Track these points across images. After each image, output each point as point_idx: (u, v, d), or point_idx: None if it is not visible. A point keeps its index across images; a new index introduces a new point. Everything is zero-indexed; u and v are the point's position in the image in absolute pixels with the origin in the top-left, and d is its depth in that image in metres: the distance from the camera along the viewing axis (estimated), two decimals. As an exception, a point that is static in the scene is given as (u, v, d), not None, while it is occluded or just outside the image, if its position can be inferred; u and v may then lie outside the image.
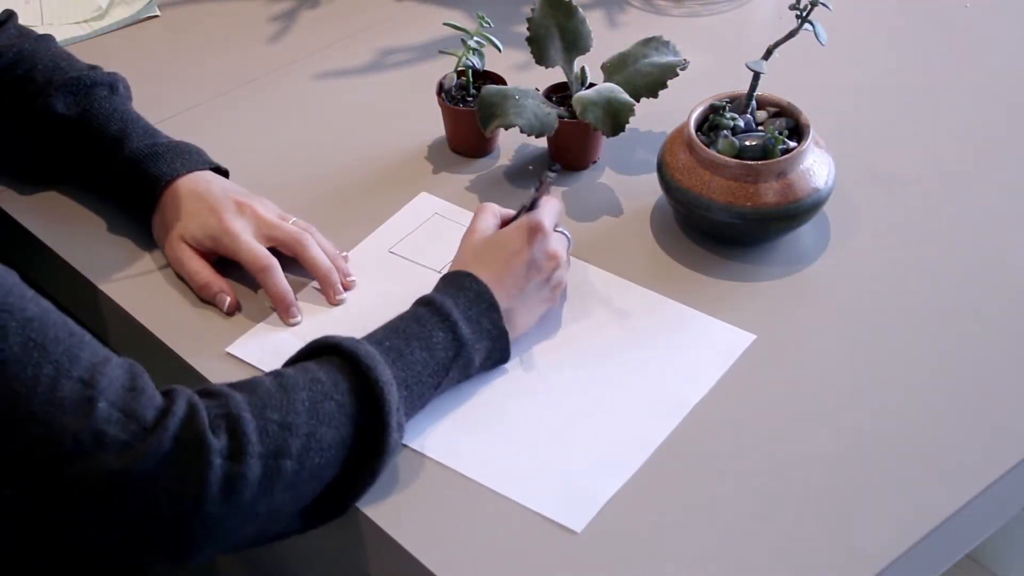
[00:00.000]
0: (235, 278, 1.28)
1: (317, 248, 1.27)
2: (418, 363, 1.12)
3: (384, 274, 1.30)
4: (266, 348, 1.22)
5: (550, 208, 1.23)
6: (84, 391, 0.96)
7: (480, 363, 1.17)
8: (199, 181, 1.29)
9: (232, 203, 1.27)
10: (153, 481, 0.97)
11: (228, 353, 1.22)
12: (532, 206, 1.23)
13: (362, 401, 1.06)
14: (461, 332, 1.14)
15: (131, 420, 0.97)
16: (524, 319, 1.20)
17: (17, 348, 0.95)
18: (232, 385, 1.05)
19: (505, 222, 1.24)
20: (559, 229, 1.24)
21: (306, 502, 1.05)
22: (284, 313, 1.25)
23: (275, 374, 1.07)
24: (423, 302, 1.16)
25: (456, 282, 1.17)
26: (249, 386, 1.05)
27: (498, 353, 1.18)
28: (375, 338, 1.12)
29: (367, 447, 1.06)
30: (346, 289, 1.27)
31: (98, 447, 0.95)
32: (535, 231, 1.20)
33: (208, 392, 1.03)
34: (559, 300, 1.24)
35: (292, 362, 1.11)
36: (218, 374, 1.20)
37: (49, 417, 0.94)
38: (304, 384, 1.05)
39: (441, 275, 1.19)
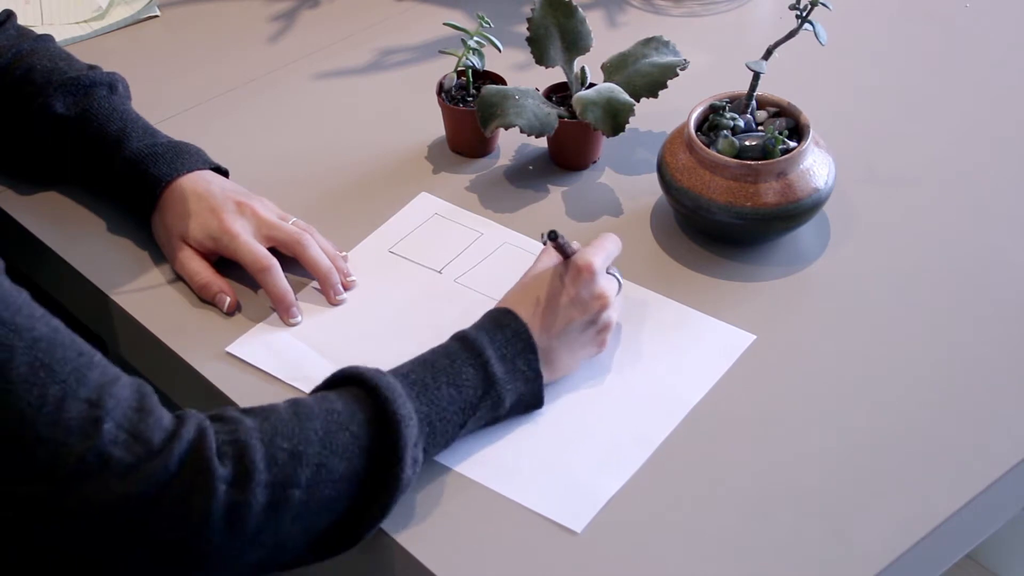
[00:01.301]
0: (235, 278, 1.28)
1: (317, 248, 1.27)
2: (444, 399, 1.09)
3: (384, 274, 1.30)
4: (266, 348, 1.22)
5: (603, 247, 1.20)
6: (90, 412, 0.95)
7: (511, 405, 1.13)
8: (199, 181, 1.29)
9: (232, 203, 1.27)
10: (156, 505, 0.96)
11: (228, 353, 1.22)
12: (567, 255, 1.17)
13: (378, 434, 1.05)
14: (492, 371, 1.11)
15: (137, 442, 0.96)
16: (564, 361, 1.17)
17: (24, 369, 0.94)
18: (246, 411, 1.04)
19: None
20: (611, 271, 1.21)
21: (316, 533, 1.03)
22: (284, 313, 1.25)
23: (292, 402, 1.05)
24: (458, 336, 1.13)
25: (496, 319, 1.14)
26: (263, 412, 1.03)
27: (530, 397, 1.14)
28: (401, 371, 1.10)
29: (379, 481, 1.04)
30: (346, 289, 1.27)
31: (103, 468, 0.95)
32: (581, 270, 1.16)
33: (220, 416, 1.02)
34: (608, 345, 1.19)
35: (316, 390, 1.10)
36: (218, 374, 1.20)
37: (54, 438, 0.94)
38: (320, 413, 1.04)
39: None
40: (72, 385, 0.95)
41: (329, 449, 1.02)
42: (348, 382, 1.08)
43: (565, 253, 1.17)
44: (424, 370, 1.10)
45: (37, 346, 0.95)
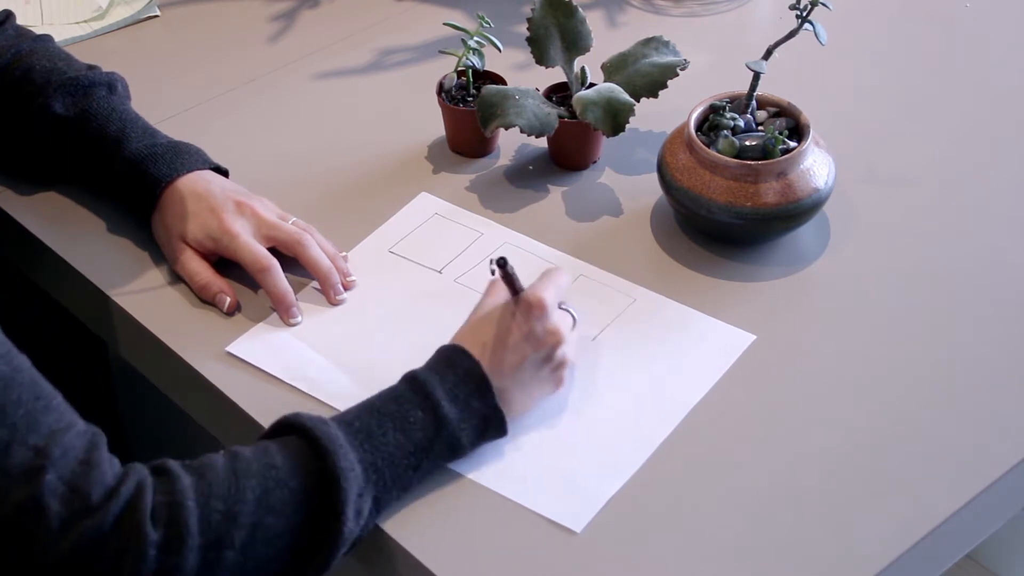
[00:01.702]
0: (235, 278, 1.27)
1: (317, 248, 1.27)
2: (390, 444, 1.07)
3: (384, 274, 1.30)
4: (266, 348, 1.22)
5: (553, 282, 1.16)
6: (35, 460, 0.94)
7: (471, 443, 1.11)
8: (198, 181, 1.29)
9: (232, 203, 1.27)
10: (87, 563, 0.95)
11: (228, 353, 1.22)
12: (515, 289, 1.14)
13: (319, 489, 1.03)
14: (443, 413, 1.09)
15: (76, 496, 0.95)
16: (519, 401, 1.13)
17: None
18: (185, 466, 1.02)
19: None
20: (564, 306, 1.18)
21: None
22: (285, 314, 1.25)
23: (232, 456, 1.03)
24: (407, 378, 1.11)
25: (447, 358, 1.12)
26: (200, 470, 1.01)
27: (494, 431, 1.12)
28: (347, 417, 1.08)
29: (321, 535, 1.03)
30: (346, 289, 1.27)
31: (38, 519, 0.94)
32: (533, 307, 1.13)
33: (160, 470, 1.00)
34: (565, 383, 1.16)
35: (260, 437, 1.08)
36: (218, 374, 1.20)
37: None
38: (258, 470, 1.02)
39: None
40: (21, 430, 0.94)
41: (265, 508, 1.01)
42: (290, 430, 1.07)
43: (513, 287, 1.14)
44: (370, 416, 1.08)
45: None
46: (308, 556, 1.03)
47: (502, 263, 1.13)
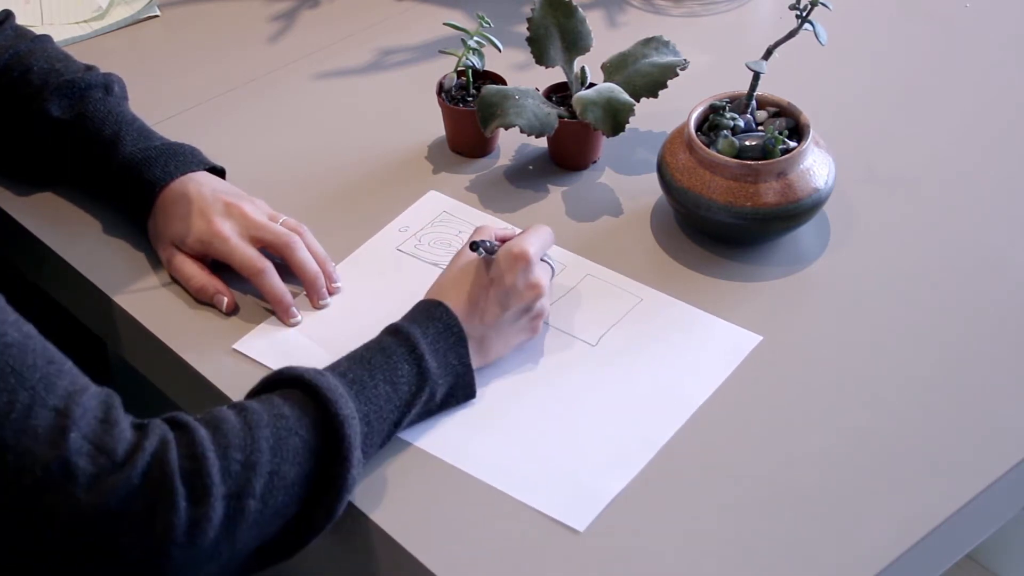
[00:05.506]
0: (234, 276, 1.27)
1: (305, 251, 1.26)
2: (381, 397, 1.10)
3: (392, 271, 1.30)
4: (273, 345, 1.22)
5: (538, 235, 1.20)
6: (58, 420, 0.95)
7: (442, 399, 1.14)
8: (190, 184, 1.28)
9: (221, 204, 1.26)
10: (119, 519, 0.95)
11: (234, 350, 1.22)
12: (492, 251, 1.18)
13: (324, 436, 1.05)
14: (427, 365, 1.12)
15: (101, 453, 0.96)
16: (497, 348, 1.18)
17: None
18: (199, 419, 1.03)
19: (503, 240, 1.21)
20: (545, 258, 1.22)
21: (267, 540, 1.04)
22: (283, 315, 1.24)
23: (239, 408, 1.05)
24: (391, 331, 1.14)
25: (427, 311, 1.15)
26: (214, 422, 1.02)
27: (462, 391, 1.15)
28: (339, 369, 1.10)
29: (327, 483, 1.05)
30: (331, 295, 1.26)
31: (67, 479, 0.94)
32: (518, 259, 1.17)
33: (177, 424, 1.01)
34: (540, 330, 1.21)
35: (256, 392, 1.09)
36: (221, 374, 1.20)
37: (21, 445, 0.93)
38: (268, 420, 1.04)
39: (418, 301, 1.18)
40: (41, 392, 0.95)
41: (280, 456, 1.02)
42: (289, 384, 1.08)
43: (494, 252, 1.18)
44: (361, 367, 1.11)
45: (8, 351, 0.95)
46: (318, 502, 1.05)
47: (474, 247, 1.17)
